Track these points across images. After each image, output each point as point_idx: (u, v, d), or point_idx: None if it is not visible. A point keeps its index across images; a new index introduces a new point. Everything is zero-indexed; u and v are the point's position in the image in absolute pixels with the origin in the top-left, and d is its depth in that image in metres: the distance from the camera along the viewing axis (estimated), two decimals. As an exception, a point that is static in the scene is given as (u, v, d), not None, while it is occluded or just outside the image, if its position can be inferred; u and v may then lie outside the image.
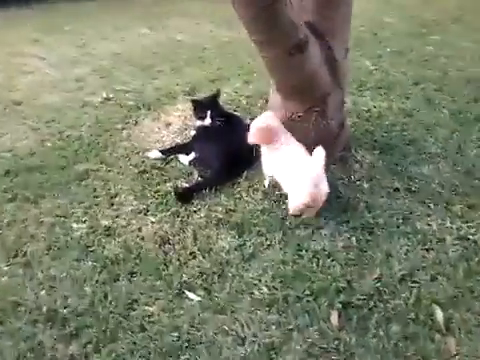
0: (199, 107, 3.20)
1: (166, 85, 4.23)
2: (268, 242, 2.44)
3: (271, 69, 2.50)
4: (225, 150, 2.94)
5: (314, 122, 2.74)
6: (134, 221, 2.62)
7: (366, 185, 2.82)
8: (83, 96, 4.24)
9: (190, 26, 5.98)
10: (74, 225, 2.62)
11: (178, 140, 3.34)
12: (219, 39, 5.46)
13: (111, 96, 4.18)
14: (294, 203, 2.49)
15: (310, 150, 2.48)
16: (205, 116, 3.13)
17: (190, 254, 2.39)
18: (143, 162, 3.11)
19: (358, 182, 2.85)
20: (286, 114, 2.77)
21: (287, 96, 2.67)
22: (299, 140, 2.82)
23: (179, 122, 3.55)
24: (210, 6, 7.15)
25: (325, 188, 2.41)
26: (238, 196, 2.76)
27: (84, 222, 2.64)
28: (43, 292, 2.22)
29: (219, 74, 4.31)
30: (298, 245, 2.41)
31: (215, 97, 3.27)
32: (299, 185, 2.43)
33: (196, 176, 2.96)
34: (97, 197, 2.84)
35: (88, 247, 2.46)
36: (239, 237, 2.48)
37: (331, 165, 2.91)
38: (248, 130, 2.90)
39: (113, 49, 5.52)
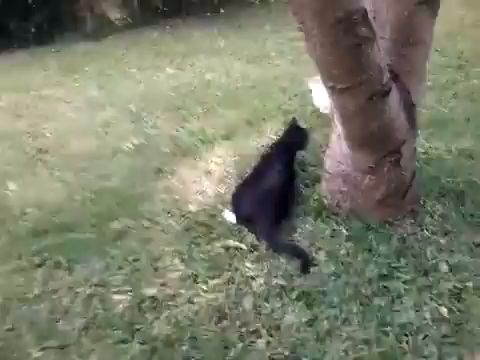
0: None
1: (201, 129, 3.94)
2: (343, 315, 2.07)
3: (347, 118, 2.20)
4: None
5: (386, 174, 2.41)
6: (183, 290, 2.28)
7: (442, 240, 2.47)
8: (113, 142, 3.96)
9: (218, 64, 5.77)
10: (114, 297, 2.28)
11: (221, 190, 3.03)
12: (250, 77, 5.20)
13: (142, 141, 3.90)
14: None
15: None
16: None
17: (253, 332, 2.03)
18: (186, 217, 2.79)
19: (434, 237, 2.48)
20: (353, 166, 2.46)
21: (359, 146, 2.35)
22: (367, 196, 2.51)
23: (220, 169, 3.26)
24: (235, 43, 6.97)
25: None
26: (299, 257, 2.41)
27: (125, 292, 2.31)
28: (84, 385, 1.89)
29: (256, 115, 4.03)
30: (380, 318, 2.05)
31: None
32: None
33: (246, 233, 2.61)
34: (137, 260, 2.51)
35: (133, 324, 2.12)
36: (308, 309, 2.12)
37: (401, 220, 2.58)
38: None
39: (139, 90, 5.30)
